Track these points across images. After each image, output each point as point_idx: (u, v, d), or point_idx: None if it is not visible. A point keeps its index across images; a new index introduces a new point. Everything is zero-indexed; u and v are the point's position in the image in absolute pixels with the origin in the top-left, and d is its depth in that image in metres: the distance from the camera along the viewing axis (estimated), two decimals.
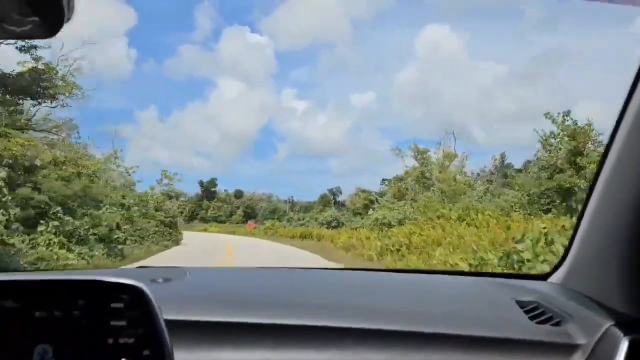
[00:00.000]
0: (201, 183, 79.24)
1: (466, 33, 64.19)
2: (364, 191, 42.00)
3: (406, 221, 19.97)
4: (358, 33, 68.70)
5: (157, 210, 23.46)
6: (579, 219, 1.21)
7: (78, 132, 18.74)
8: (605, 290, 1.04)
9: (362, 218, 34.00)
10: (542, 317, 1.05)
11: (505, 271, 7.85)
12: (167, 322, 0.76)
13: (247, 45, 70.76)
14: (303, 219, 38.51)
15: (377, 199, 32.44)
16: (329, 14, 68.87)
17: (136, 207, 20.62)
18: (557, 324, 1.01)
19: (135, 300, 0.75)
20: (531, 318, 1.05)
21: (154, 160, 71.30)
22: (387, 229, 19.23)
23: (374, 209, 31.50)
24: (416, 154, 29.27)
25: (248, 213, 71.89)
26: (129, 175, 21.98)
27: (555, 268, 1.36)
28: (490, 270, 8.63)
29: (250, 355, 0.91)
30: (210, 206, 74.03)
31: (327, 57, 72.36)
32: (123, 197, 20.14)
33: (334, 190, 61.55)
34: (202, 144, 76.36)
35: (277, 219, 51.16)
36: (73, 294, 0.76)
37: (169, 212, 24.83)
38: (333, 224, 32.53)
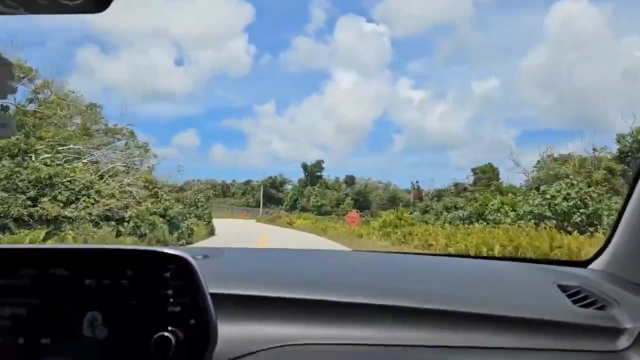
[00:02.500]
0: (304, 166, 64.94)
1: (607, 6, 56.91)
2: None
3: None
4: (480, 15, 65.62)
5: None
6: (623, 206, 1.22)
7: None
8: None
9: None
10: (586, 301, 1.01)
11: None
12: (209, 294, 0.78)
13: (363, 34, 70.05)
14: (464, 208, 18.30)
15: None
16: None
17: None
18: (601, 308, 0.98)
19: (181, 271, 0.76)
20: (574, 302, 1.01)
21: (272, 153, 75.88)
22: None
23: None
24: None
25: (359, 202, 54.60)
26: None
27: (597, 255, 1.35)
28: None
29: (290, 329, 0.91)
30: (313, 193, 58.20)
31: (446, 42, 70.27)
32: None
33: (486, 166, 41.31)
34: (318, 137, 75.99)
35: (396, 208, 31.60)
36: (121, 264, 0.77)
37: None
38: (580, 218, 11.80)
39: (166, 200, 14.57)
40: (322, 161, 65.24)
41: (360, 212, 42.26)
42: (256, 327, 0.90)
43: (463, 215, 17.82)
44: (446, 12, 72.20)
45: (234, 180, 74.47)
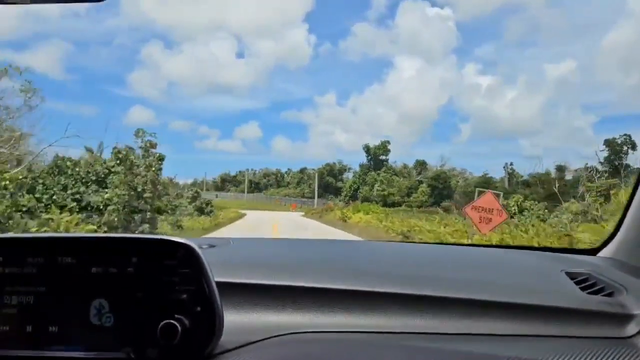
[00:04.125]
0: (367, 148, 53.13)
1: None
2: None
3: None
4: None
5: None
6: (632, 194, 1.23)
7: None
8: None
9: None
10: (594, 288, 1.02)
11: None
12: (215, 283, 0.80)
13: (426, 18, 67.19)
14: None
15: None
16: None
17: None
18: (610, 294, 0.98)
19: (187, 258, 0.78)
20: (582, 289, 1.02)
21: (334, 144, 72.87)
22: None
23: None
24: None
25: (437, 189, 41.78)
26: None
27: (605, 243, 1.37)
28: None
29: (296, 317, 0.92)
30: (377, 180, 46.24)
31: (516, 23, 66.04)
32: None
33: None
34: (381, 127, 69.93)
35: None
36: (127, 252, 0.79)
37: None
38: None
39: None
40: (388, 142, 53.16)
41: (446, 202, 29.62)
42: (262, 315, 0.91)
43: None
44: None
45: (288, 169, 65.39)
